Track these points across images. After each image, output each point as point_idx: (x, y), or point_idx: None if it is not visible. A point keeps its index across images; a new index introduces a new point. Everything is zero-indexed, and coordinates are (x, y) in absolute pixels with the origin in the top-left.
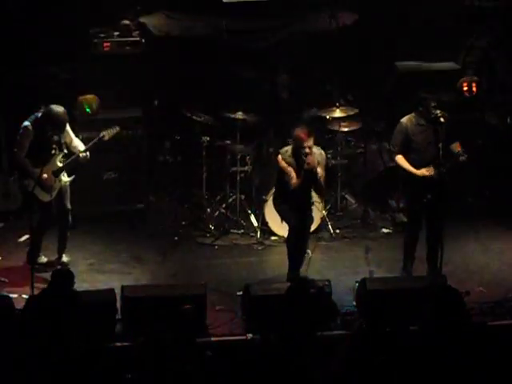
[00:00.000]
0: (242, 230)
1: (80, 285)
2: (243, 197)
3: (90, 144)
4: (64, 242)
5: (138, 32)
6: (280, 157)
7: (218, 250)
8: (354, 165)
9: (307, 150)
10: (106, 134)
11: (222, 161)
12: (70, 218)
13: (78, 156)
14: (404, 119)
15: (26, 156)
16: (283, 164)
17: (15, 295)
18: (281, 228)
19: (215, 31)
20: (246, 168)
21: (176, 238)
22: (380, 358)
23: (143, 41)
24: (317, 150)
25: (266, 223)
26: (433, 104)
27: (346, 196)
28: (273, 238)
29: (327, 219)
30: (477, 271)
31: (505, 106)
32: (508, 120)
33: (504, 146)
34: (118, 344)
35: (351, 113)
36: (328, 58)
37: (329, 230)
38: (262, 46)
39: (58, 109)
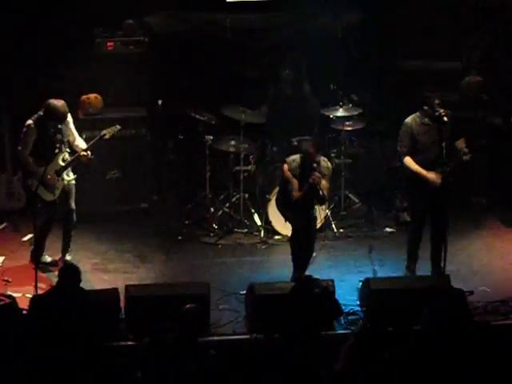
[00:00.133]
0: (246, 230)
1: (84, 284)
2: (247, 196)
3: (91, 143)
4: (68, 241)
5: (141, 31)
6: (286, 166)
7: (222, 249)
8: (358, 164)
9: (314, 165)
10: (107, 133)
11: (226, 160)
12: (75, 218)
13: (79, 155)
14: (408, 119)
15: (30, 155)
16: (288, 175)
17: (19, 294)
18: (284, 227)
19: (219, 30)
20: (250, 167)
21: (180, 238)
22: (384, 357)
23: (147, 40)
24: (324, 163)
25: (270, 222)
26: (437, 101)
27: (350, 195)
28: (276, 237)
29: (331, 218)
30: (480, 270)
31: (508, 105)
32: (511, 120)
33: (507, 145)
34: (122, 343)
35: (355, 112)
36: (332, 57)
37: (332, 230)
38: (265, 44)
39: (57, 101)
